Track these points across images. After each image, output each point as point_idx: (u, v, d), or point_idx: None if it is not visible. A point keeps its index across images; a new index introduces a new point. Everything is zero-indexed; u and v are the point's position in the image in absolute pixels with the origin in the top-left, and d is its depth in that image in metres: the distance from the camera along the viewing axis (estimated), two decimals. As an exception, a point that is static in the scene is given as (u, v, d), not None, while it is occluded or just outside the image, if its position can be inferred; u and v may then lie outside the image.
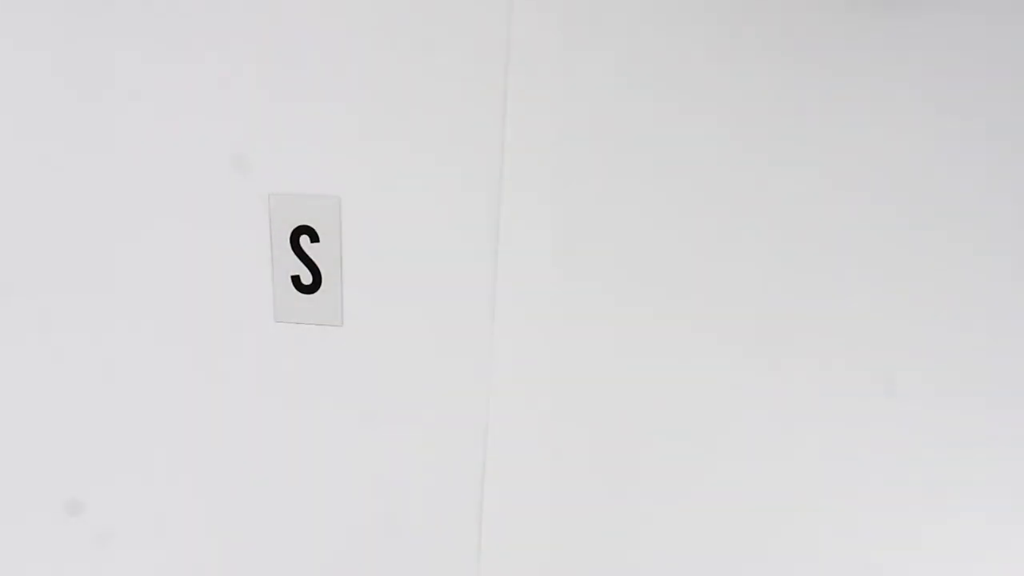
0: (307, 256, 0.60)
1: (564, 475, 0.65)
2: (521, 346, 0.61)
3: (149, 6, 0.54)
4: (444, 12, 0.53)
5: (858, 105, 0.53)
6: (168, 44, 0.55)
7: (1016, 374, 0.58)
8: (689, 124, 0.54)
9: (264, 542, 0.71)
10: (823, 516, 0.64)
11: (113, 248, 0.61)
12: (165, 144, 0.58)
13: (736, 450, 0.62)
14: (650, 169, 0.56)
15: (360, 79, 0.55)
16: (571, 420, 0.63)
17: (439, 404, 0.63)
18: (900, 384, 0.59)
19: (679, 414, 0.59)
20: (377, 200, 0.58)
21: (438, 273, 0.60)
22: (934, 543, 0.63)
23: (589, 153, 0.56)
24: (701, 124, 0.54)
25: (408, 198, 0.58)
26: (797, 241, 0.56)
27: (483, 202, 0.57)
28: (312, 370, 0.64)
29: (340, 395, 0.65)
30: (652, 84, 0.53)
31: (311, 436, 0.66)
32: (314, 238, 0.59)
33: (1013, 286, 0.56)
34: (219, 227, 0.60)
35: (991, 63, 0.51)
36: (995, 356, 0.58)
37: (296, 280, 0.61)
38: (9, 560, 0.74)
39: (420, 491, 0.67)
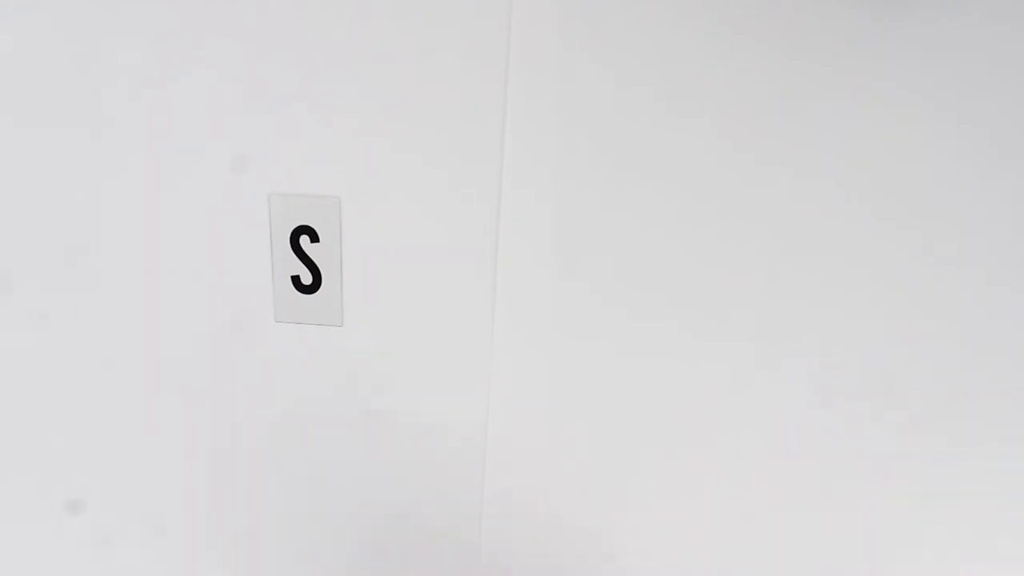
0: (307, 256, 0.60)
1: (563, 475, 0.65)
2: (521, 346, 0.61)
3: (150, 6, 0.54)
4: (444, 13, 0.53)
5: (859, 108, 0.53)
6: (169, 44, 0.55)
7: (1016, 375, 0.58)
8: (689, 126, 0.54)
9: (264, 542, 0.71)
10: (822, 518, 0.64)
11: (113, 248, 0.61)
12: (165, 144, 0.58)
13: (735, 452, 0.62)
14: (650, 170, 0.56)
15: (360, 79, 0.55)
16: (571, 420, 0.63)
17: (439, 404, 0.63)
18: (900, 385, 0.59)
19: (678, 415, 0.58)
20: (377, 200, 0.58)
21: (438, 273, 0.60)
22: (935, 545, 0.63)
23: (589, 154, 0.56)
24: (701, 126, 0.54)
25: (408, 198, 0.58)
26: (798, 243, 0.56)
27: (483, 202, 0.57)
28: (312, 370, 0.64)
29: (340, 395, 0.65)
30: (652, 86, 0.53)
31: (311, 436, 0.66)
32: (314, 238, 0.59)
33: (1013, 287, 0.56)
34: (219, 227, 0.60)
35: (992, 64, 0.51)
36: (995, 358, 0.58)
37: (296, 280, 0.61)
38: (9, 560, 0.74)
39: (420, 491, 0.67)
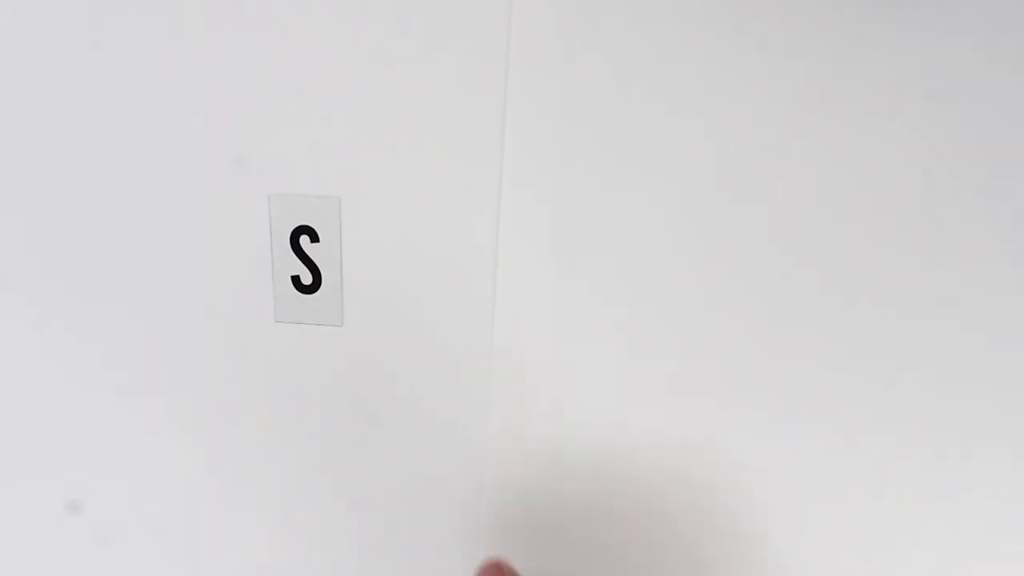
0: (307, 256, 0.60)
1: (563, 476, 0.65)
2: (521, 347, 0.61)
3: (149, 6, 0.54)
4: (444, 13, 0.53)
5: (862, 107, 0.53)
6: (168, 43, 0.55)
7: (1017, 375, 0.58)
8: (690, 126, 0.54)
9: (264, 542, 0.71)
10: (822, 518, 0.64)
11: (113, 248, 0.61)
12: (165, 144, 0.58)
13: (735, 452, 0.62)
14: (650, 170, 0.56)
15: (360, 79, 0.55)
16: (571, 420, 0.63)
17: (439, 405, 0.63)
18: (901, 385, 0.59)
19: (678, 415, 0.58)
20: (377, 200, 0.58)
21: (438, 273, 0.60)
22: (934, 544, 0.63)
23: (589, 154, 0.56)
24: (702, 126, 0.54)
25: (408, 198, 0.58)
26: (799, 242, 0.56)
27: (483, 202, 0.57)
28: (312, 370, 0.64)
29: (340, 395, 0.65)
30: (653, 86, 0.53)
31: (311, 436, 0.66)
32: (314, 238, 0.59)
33: (1014, 286, 0.56)
34: (219, 227, 0.60)
35: (993, 61, 0.51)
36: (996, 358, 0.58)
37: (296, 280, 0.61)
38: (9, 560, 0.74)
39: (420, 491, 0.67)
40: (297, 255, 0.60)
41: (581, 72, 0.54)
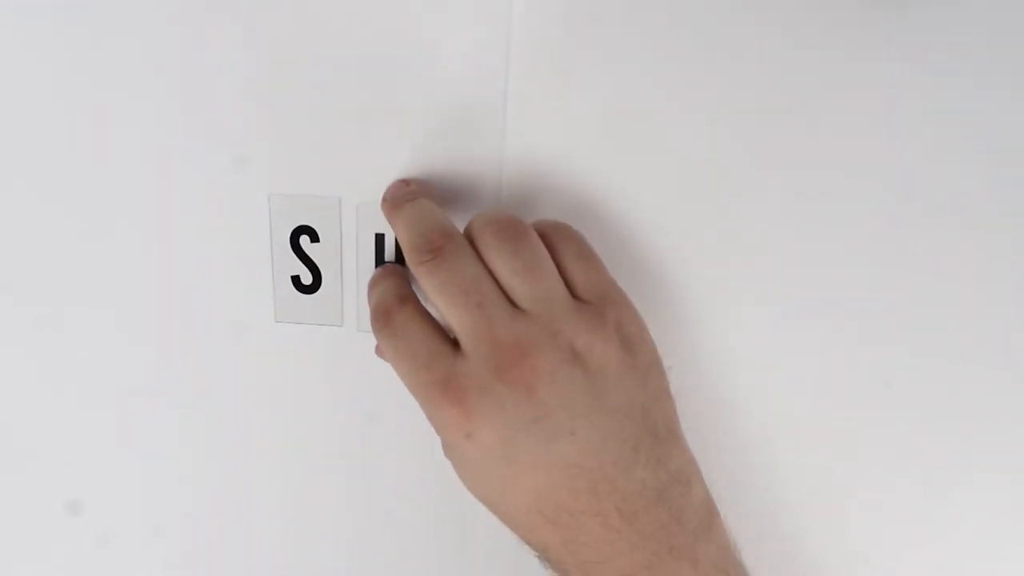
0: (307, 256, 0.60)
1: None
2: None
3: (149, 5, 0.54)
4: (444, 12, 0.52)
5: (865, 107, 0.52)
6: (168, 43, 0.55)
7: (1017, 373, 0.58)
8: (691, 126, 0.54)
9: (262, 543, 0.71)
10: (822, 514, 0.64)
11: (112, 248, 0.61)
12: (164, 143, 0.58)
13: (737, 450, 0.62)
14: (652, 171, 0.56)
15: (360, 78, 0.55)
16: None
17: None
18: (900, 381, 0.59)
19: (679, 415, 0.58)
20: (377, 200, 0.58)
21: (438, 273, 0.59)
22: (934, 543, 0.63)
23: (590, 154, 0.56)
24: (705, 122, 0.54)
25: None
26: (801, 242, 0.56)
27: (483, 202, 0.57)
28: (312, 370, 0.64)
29: (340, 395, 0.65)
30: (654, 86, 0.53)
31: (311, 436, 0.66)
32: (314, 238, 0.59)
33: (1015, 285, 0.56)
34: (219, 227, 0.60)
35: (996, 58, 0.51)
36: (997, 356, 0.58)
37: (296, 280, 0.61)
38: (9, 560, 0.74)
39: (420, 493, 0.67)
40: (297, 255, 0.60)
41: (581, 72, 0.54)
